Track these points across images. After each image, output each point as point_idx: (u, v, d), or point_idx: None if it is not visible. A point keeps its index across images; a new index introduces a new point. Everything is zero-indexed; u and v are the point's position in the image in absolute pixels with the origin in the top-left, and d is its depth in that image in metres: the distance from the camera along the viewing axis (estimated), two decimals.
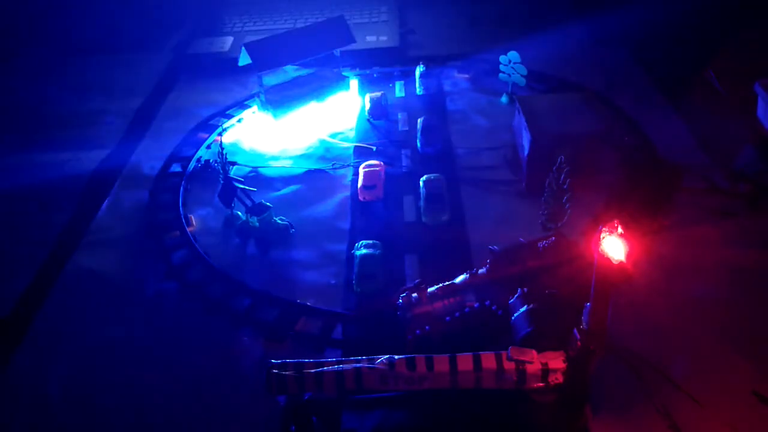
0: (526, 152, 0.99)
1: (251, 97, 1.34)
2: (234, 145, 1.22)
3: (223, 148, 0.96)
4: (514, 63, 1.24)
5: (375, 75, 1.43)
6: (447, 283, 0.77)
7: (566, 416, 0.65)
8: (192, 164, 1.15)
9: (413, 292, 0.75)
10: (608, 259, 0.50)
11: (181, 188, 1.09)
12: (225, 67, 1.45)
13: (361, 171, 1.05)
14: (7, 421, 0.74)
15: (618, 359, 0.72)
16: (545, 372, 0.61)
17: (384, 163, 1.09)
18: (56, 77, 1.53)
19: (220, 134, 1.25)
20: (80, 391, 0.77)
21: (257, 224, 0.95)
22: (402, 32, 1.58)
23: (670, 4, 1.44)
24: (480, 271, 0.79)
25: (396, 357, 0.63)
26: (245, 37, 1.54)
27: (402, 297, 0.75)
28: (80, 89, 1.46)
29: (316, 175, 1.12)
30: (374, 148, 1.16)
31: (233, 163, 1.14)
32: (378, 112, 1.24)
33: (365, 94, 1.29)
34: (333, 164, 1.14)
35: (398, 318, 0.75)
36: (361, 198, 1.02)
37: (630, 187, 1.00)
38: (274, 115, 1.24)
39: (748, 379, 0.70)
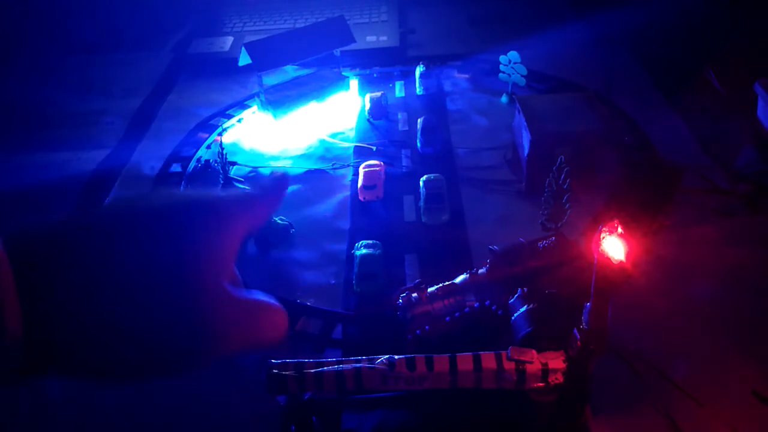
0: (526, 152, 0.99)
1: (251, 97, 1.34)
2: (234, 145, 1.22)
3: (223, 148, 0.96)
4: (514, 63, 1.24)
5: (375, 75, 1.43)
6: (447, 283, 0.77)
7: (566, 416, 0.65)
8: (192, 164, 1.15)
9: (413, 292, 0.75)
10: (608, 259, 0.50)
11: (182, 188, 1.09)
12: (225, 67, 1.45)
13: (361, 171, 1.05)
14: (7, 420, 0.74)
15: (618, 359, 0.72)
16: (545, 372, 0.61)
17: (384, 163, 1.09)
18: (56, 77, 1.53)
19: (220, 134, 1.25)
20: (80, 391, 0.77)
21: None
22: (402, 32, 1.58)
23: (670, 4, 1.43)
24: (480, 271, 0.79)
25: (396, 357, 0.63)
26: (245, 37, 1.54)
27: (402, 297, 0.75)
28: (80, 89, 1.46)
29: (316, 175, 1.12)
30: (374, 148, 1.16)
31: (233, 163, 1.14)
32: (378, 112, 1.24)
33: (365, 94, 1.29)
34: (333, 164, 1.14)
35: (398, 318, 0.75)
36: (361, 198, 1.02)
37: (630, 187, 1.00)
38: (274, 115, 1.24)
39: (748, 379, 0.70)
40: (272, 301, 0.36)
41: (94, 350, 0.30)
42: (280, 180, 0.41)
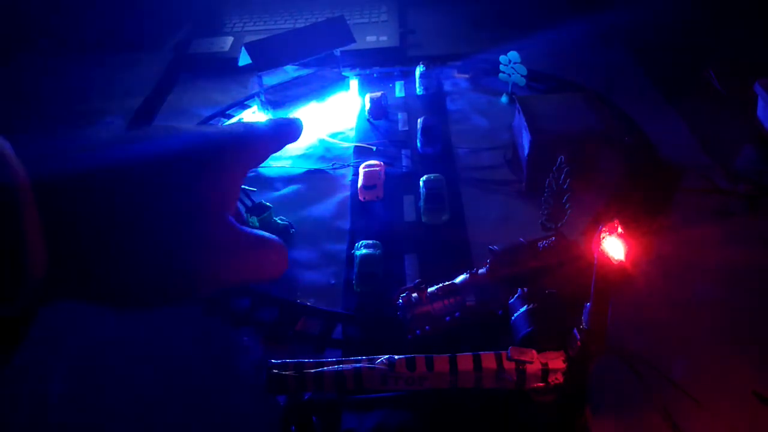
0: (526, 152, 0.99)
1: (251, 97, 1.34)
2: None
3: None
4: (514, 63, 1.24)
5: (375, 75, 1.43)
6: (447, 283, 0.77)
7: (566, 416, 0.65)
8: None
9: (413, 292, 0.75)
10: (608, 259, 0.50)
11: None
12: (225, 67, 1.45)
13: (361, 171, 1.05)
14: (7, 421, 0.74)
15: (618, 359, 0.72)
16: (545, 372, 0.61)
17: (384, 163, 1.09)
18: (56, 77, 1.53)
19: None
20: (80, 391, 0.77)
21: (257, 224, 0.95)
22: (402, 32, 1.58)
23: (670, 4, 1.44)
24: (480, 271, 0.79)
25: (396, 357, 0.63)
26: (245, 37, 1.54)
27: (402, 297, 0.75)
28: (80, 89, 1.46)
29: (316, 175, 1.12)
30: (374, 148, 1.16)
31: None
32: (378, 112, 1.24)
33: (365, 94, 1.29)
34: (333, 164, 1.14)
35: (398, 318, 0.75)
36: (361, 198, 1.02)
37: (630, 187, 1.00)
38: (274, 116, 1.24)
39: (748, 379, 0.70)
40: (274, 237, 0.38)
41: (108, 278, 0.31)
42: (292, 122, 0.42)
